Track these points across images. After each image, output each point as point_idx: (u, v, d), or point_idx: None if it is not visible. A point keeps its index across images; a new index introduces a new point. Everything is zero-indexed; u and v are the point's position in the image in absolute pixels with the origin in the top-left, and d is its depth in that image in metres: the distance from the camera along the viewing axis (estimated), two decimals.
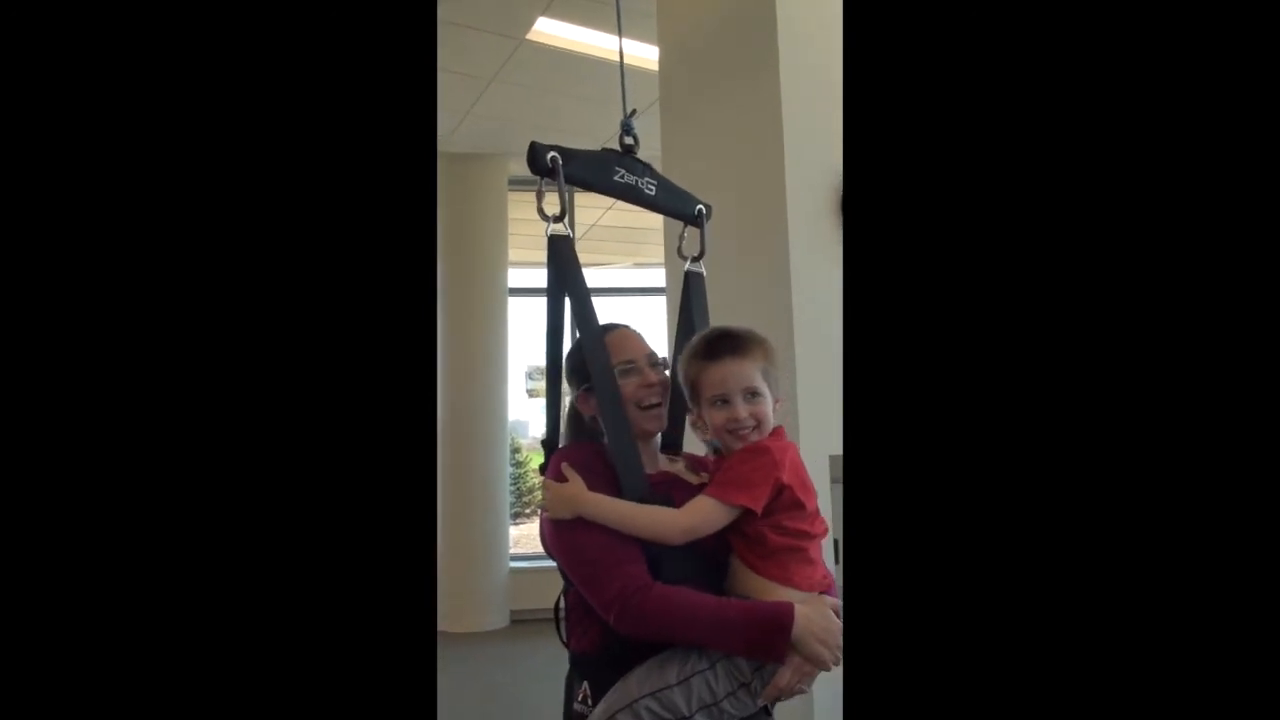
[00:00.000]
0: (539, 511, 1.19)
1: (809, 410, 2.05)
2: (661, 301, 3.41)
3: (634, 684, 1.03)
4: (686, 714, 1.01)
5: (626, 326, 1.26)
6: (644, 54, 3.08)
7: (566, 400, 1.28)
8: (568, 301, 1.16)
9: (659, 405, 1.20)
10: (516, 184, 5.71)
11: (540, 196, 1.14)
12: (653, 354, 1.23)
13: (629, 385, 1.16)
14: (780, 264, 2.25)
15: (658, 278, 6.59)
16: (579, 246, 1.21)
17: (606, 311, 1.21)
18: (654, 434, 1.23)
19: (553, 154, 1.14)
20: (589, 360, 1.13)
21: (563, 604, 1.18)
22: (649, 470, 1.15)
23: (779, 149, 2.28)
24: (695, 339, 1.19)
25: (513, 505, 6.26)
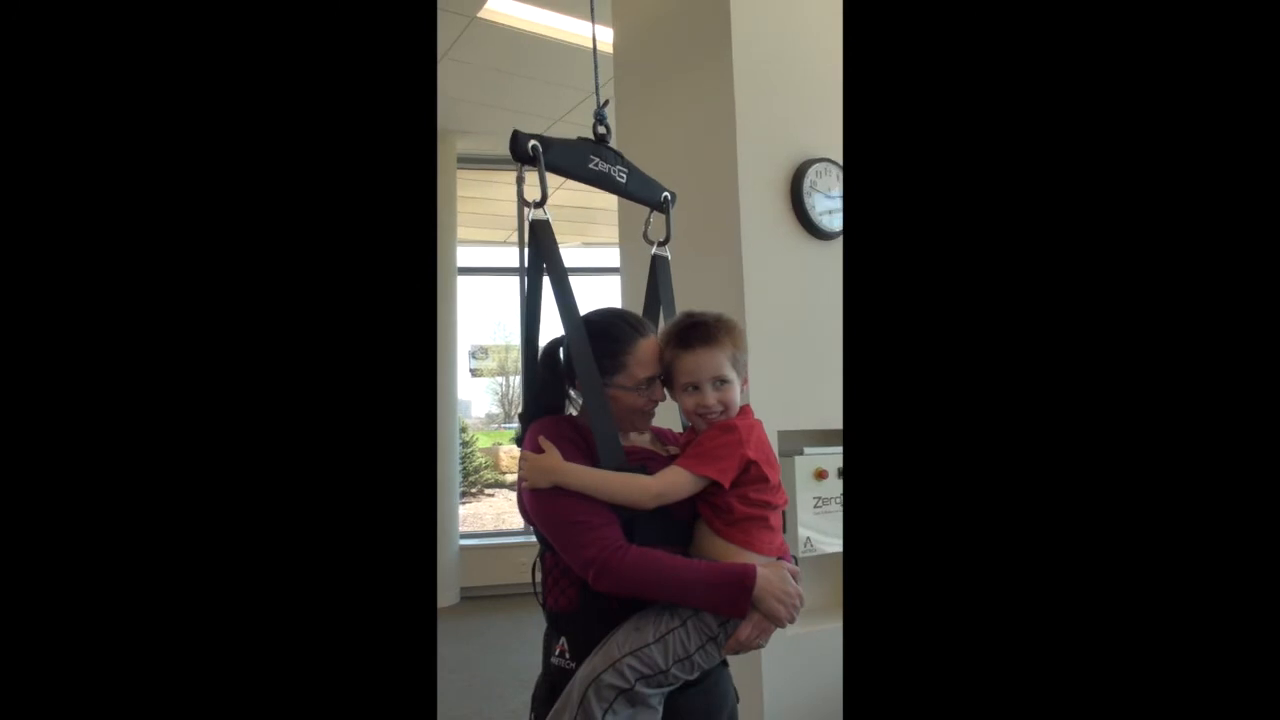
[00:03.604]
0: (517, 482, 1.24)
1: (758, 388, 2.13)
2: (614, 281, 3.47)
3: (614, 646, 1.11)
4: (664, 668, 1.10)
5: (650, 334, 1.28)
6: (600, 36, 3.11)
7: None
8: (547, 283, 1.22)
9: (649, 417, 1.28)
10: (465, 162, 5.68)
11: (521, 183, 1.19)
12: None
13: (639, 398, 1.23)
14: (732, 244, 2.33)
15: (605, 257, 6.61)
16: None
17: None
18: (634, 432, 1.29)
19: (534, 143, 1.19)
20: (571, 342, 1.19)
21: (539, 568, 1.25)
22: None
23: (731, 132, 2.35)
24: (670, 324, 1.26)
25: (460, 484, 6.25)
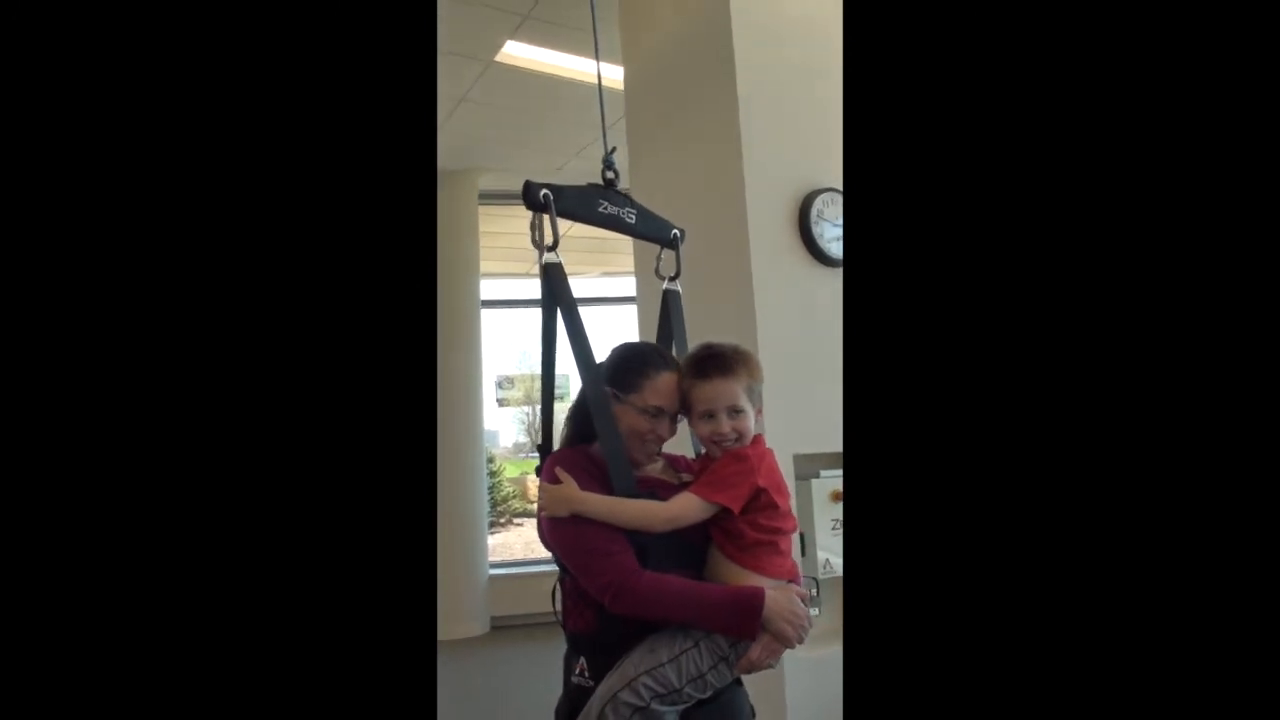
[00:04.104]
0: (537, 512, 1.31)
1: (774, 413, 2.17)
2: (631, 310, 3.55)
3: (630, 666, 1.17)
4: (678, 687, 1.15)
5: (675, 371, 1.33)
6: (609, 74, 3.21)
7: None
8: (560, 320, 1.28)
9: (658, 448, 1.33)
10: (486, 198, 5.83)
11: (534, 229, 1.26)
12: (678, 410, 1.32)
13: (644, 422, 1.27)
14: (743, 274, 2.39)
15: (625, 286, 6.73)
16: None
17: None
18: (643, 464, 1.34)
19: (545, 191, 1.27)
20: (583, 376, 1.26)
21: (559, 591, 1.31)
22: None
23: (739, 163, 2.42)
24: (689, 356, 1.32)
25: (488, 514, 6.33)
